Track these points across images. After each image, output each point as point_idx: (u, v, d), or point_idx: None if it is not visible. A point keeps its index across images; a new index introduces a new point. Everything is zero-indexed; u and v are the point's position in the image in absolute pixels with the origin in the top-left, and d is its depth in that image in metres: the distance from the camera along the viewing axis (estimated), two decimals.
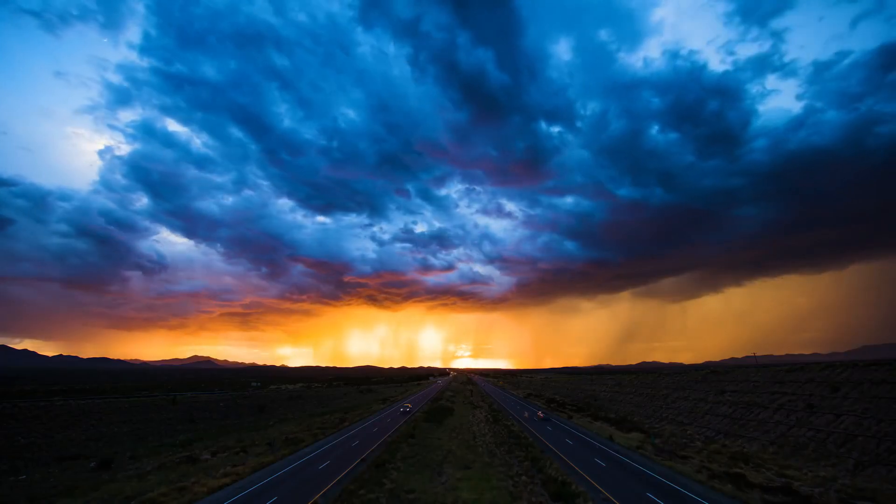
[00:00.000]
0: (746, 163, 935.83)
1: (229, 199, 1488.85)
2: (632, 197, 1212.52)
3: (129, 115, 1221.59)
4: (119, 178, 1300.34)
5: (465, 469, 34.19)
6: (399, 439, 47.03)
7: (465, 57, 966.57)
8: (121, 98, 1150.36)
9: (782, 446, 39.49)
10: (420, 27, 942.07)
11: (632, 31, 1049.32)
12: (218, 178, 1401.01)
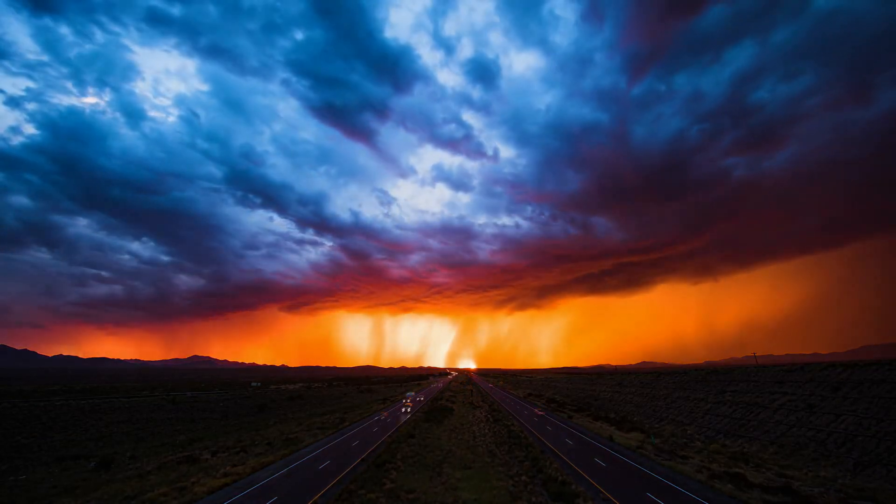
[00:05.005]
0: None
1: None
2: None
3: None
4: None
5: (465, 469, 34.17)
6: (399, 439, 47.02)
7: None
8: None
9: (782, 446, 39.47)
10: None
11: None
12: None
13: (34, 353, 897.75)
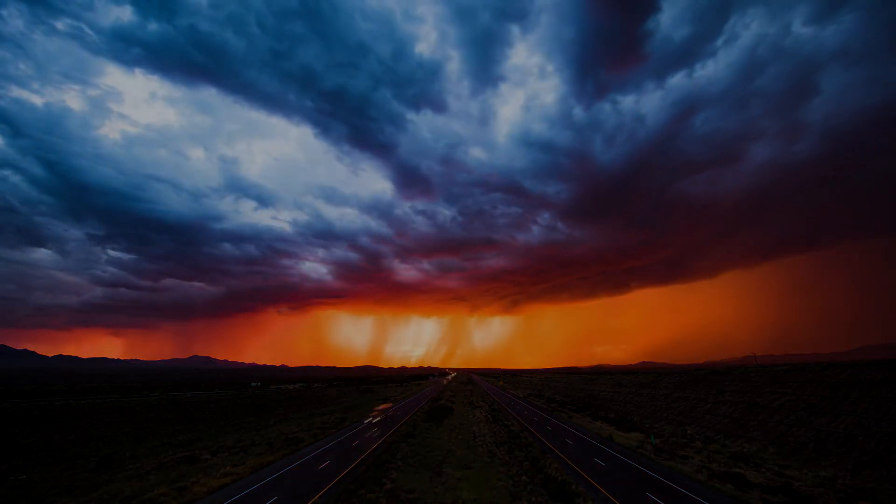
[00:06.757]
0: None
1: None
2: None
3: None
4: None
5: (464, 469, 34.17)
6: (399, 439, 47.02)
7: None
8: None
9: (782, 446, 39.46)
10: None
11: None
12: None
13: (34, 353, 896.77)
